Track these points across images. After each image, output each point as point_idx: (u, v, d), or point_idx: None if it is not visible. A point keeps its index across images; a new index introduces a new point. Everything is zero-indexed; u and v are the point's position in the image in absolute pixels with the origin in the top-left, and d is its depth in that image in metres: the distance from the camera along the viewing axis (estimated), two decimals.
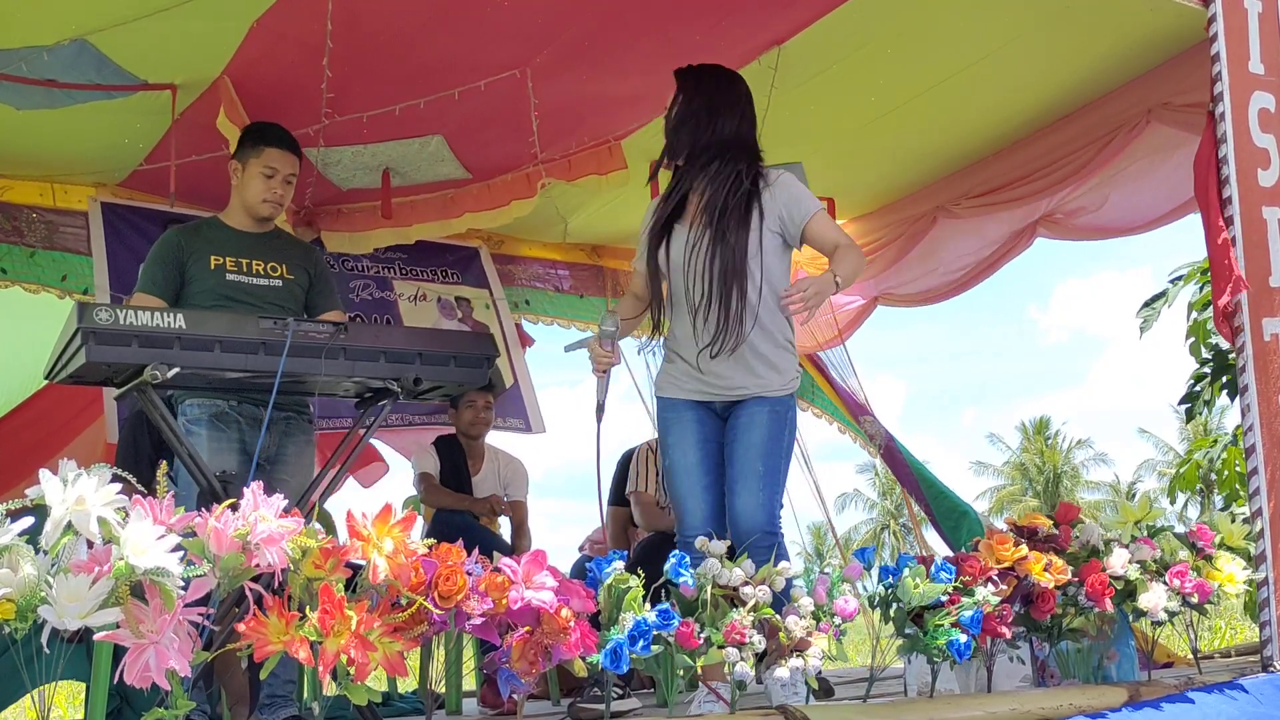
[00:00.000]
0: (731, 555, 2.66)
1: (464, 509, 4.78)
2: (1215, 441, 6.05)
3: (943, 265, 5.93)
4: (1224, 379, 5.54)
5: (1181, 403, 5.85)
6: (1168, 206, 5.18)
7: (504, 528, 5.12)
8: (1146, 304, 5.97)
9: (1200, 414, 5.78)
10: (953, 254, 5.83)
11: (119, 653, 1.82)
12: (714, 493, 3.25)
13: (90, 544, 1.84)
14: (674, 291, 3.31)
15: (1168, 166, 4.85)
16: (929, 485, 6.08)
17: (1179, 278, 5.91)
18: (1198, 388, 5.74)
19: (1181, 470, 6.21)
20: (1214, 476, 5.99)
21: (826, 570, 2.72)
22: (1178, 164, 4.75)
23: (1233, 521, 3.44)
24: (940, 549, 6.59)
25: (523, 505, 5.12)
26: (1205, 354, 5.75)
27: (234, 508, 1.96)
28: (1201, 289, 5.71)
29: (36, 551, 1.80)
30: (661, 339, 3.39)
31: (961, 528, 5.87)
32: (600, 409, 3.26)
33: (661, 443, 3.38)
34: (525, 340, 6.04)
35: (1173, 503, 6.80)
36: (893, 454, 6.19)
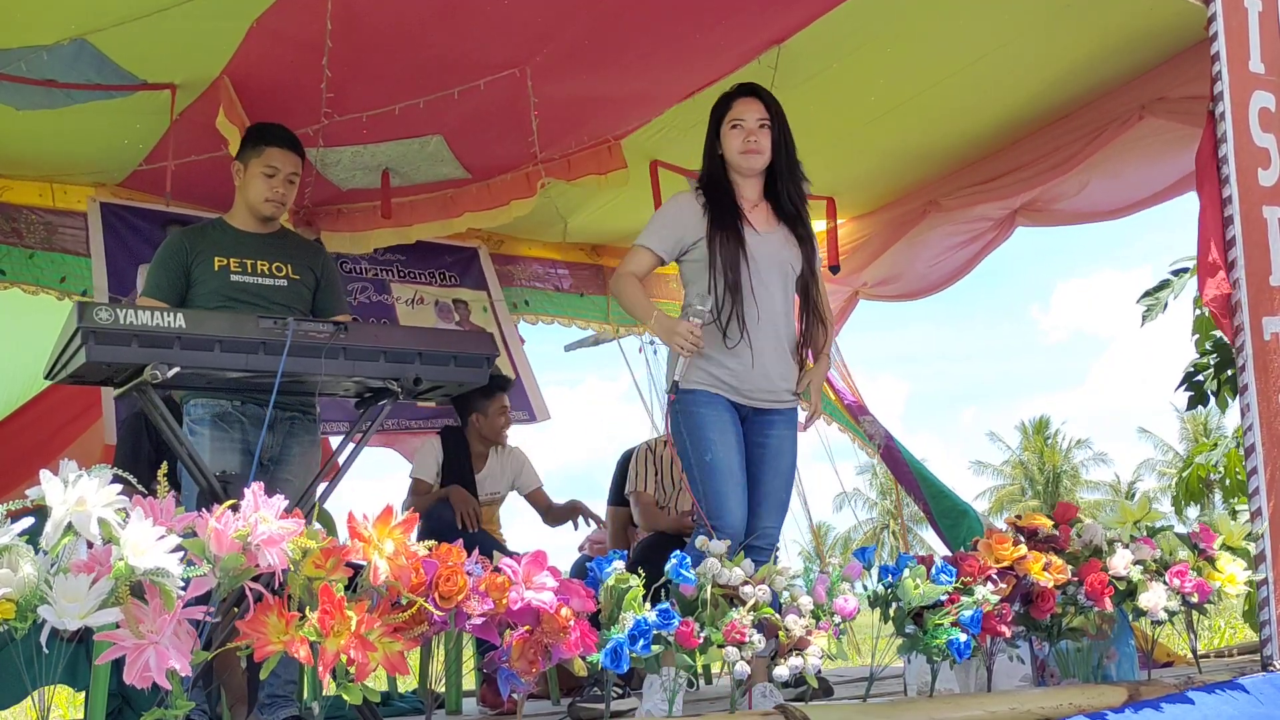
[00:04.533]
0: None
1: (443, 499, 4.66)
2: (1215, 445, 6.05)
3: (921, 258, 5.94)
4: (1228, 373, 5.51)
5: (1183, 388, 5.79)
6: (1148, 191, 5.20)
7: (504, 530, 5.11)
8: (1148, 293, 5.95)
9: (1205, 404, 5.75)
10: (931, 246, 5.84)
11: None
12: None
13: (90, 544, 1.84)
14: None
15: (1150, 152, 4.87)
16: (928, 485, 6.08)
17: (1182, 270, 5.89)
18: (1199, 377, 5.71)
19: (1184, 475, 6.20)
20: (1213, 477, 5.99)
21: (826, 570, 2.73)
22: (1160, 150, 4.78)
23: (1234, 519, 3.45)
24: (939, 548, 6.60)
25: (542, 492, 5.08)
26: (1209, 348, 5.73)
27: (235, 508, 1.97)
28: None
29: (37, 552, 1.80)
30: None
31: (961, 527, 5.87)
32: (676, 388, 3.21)
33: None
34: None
35: (1180, 515, 6.78)
36: (892, 454, 6.19)
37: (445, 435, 4.94)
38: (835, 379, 6.44)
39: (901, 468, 6.19)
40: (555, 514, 5.06)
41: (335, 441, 4.24)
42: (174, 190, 4.33)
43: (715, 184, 3.40)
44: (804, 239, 3.42)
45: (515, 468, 5.04)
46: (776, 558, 3.29)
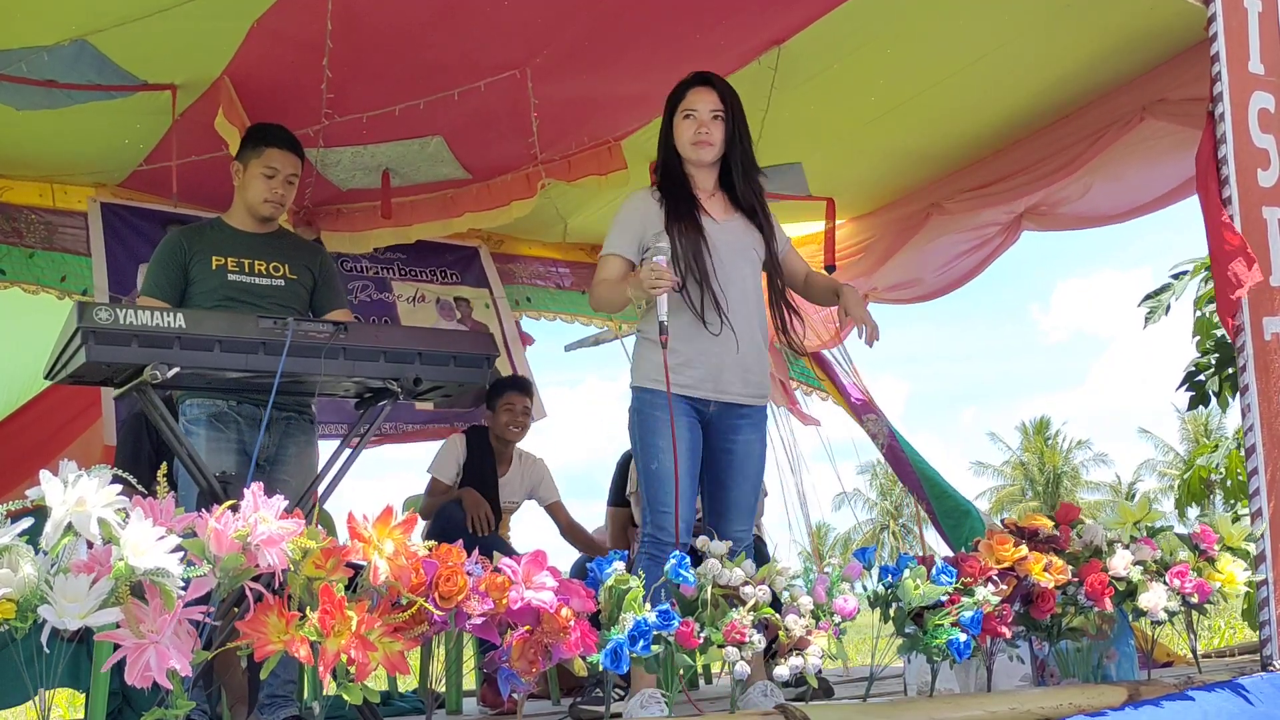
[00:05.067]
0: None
1: (455, 500, 4.67)
2: (1216, 446, 6.06)
3: (931, 263, 5.94)
4: (1228, 371, 5.51)
5: (1184, 387, 5.80)
6: (1151, 194, 5.20)
7: (511, 533, 5.09)
8: (1150, 296, 5.96)
9: (1206, 404, 5.76)
10: (941, 251, 5.84)
11: None
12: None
13: (90, 544, 1.84)
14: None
15: (1153, 155, 4.86)
16: (931, 484, 6.07)
17: (1182, 273, 5.90)
18: (1200, 377, 5.72)
19: (1186, 477, 6.20)
20: (1214, 477, 5.99)
21: (826, 570, 2.73)
22: (1162, 152, 4.78)
23: (1235, 521, 3.44)
24: (940, 548, 6.59)
25: (561, 506, 5.08)
26: (1210, 348, 5.73)
27: (234, 508, 1.96)
28: (1206, 283, 5.68)
29: (37, 552, 1.80)
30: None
31: (963, 527, 5.86)
32: (664, 329, 3.12)
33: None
34: (525, 340, 6.04)
35: (1181, 517, 6.77)
36: (895, 453, 6.19)
37: (471, 435, 4.94)
38: (841, 377, 6.45)
39: (905, 467, 6.19)
40: (578, 539, 5.04)
41: (335, 443, 4.27)
42: (176, 190, 4.34)
43: (670, 174, 3.37)
44: (763, 226, 3.36)
45: (535, 479, 5.04)
46: (776, 557, 3.29)
